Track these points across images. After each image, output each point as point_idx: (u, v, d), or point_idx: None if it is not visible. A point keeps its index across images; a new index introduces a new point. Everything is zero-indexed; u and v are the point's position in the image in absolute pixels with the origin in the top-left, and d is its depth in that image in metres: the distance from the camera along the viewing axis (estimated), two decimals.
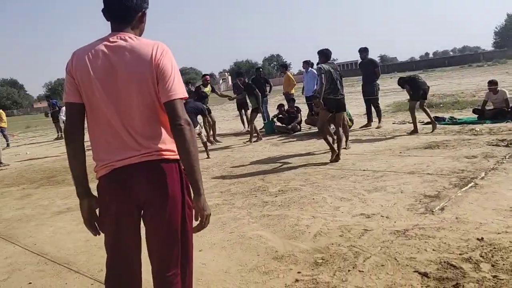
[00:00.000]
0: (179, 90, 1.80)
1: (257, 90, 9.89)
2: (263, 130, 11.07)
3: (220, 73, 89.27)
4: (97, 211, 1.91)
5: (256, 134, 9.67)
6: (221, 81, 76.05)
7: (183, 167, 1.82)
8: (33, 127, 27.44)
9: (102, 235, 1.90)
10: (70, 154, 1.85)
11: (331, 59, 6.80)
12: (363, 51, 9.92)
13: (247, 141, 9.55)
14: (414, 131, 8.05)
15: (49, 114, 17.05)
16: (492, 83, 9.14)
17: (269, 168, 6.48)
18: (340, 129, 6.60)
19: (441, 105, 12.00)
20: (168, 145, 1.85)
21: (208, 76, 11.17)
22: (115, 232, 1.84)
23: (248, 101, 10.85)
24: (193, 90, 10.86)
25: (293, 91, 12.10)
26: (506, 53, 53.73)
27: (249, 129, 9.98)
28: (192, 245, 1.96)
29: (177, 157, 1.86)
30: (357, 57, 10.60)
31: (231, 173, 6.45)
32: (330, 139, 6.58)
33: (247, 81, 10.50)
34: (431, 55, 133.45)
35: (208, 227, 3.89)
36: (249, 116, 10.33)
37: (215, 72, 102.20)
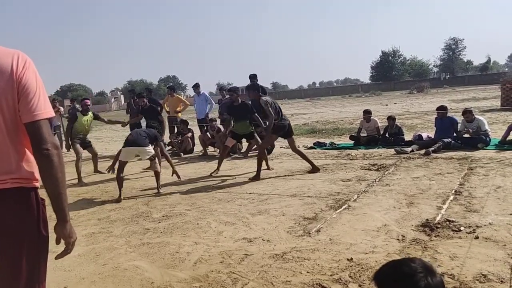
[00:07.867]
0: (45, 110, 1.59)
1: (161, 115, 8.89)
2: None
3: (112, 91, 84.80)
4: None
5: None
6: (112, 99, 72.37)
7: (48, 194, 1.61)
8: None
9: None
10: None
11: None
12: (253, 78, 10.21)
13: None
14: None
15: None
16: (366, 112, 10.12)
17: (156, 192, 6.22)
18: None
19: (324, 131, 12.89)
20: (26, 171, 1.61)
21: (88, 100, 8.36)
22: None
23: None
24: (79, 109, 9.10)
25: (179, 114, 11.79)
26: (381, 86, 60.44)
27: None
28: (45, 283, 1.72)
29: (36, 185, 1.65)
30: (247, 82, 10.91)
31: (114, 197, 6.04)
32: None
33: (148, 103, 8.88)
34: (317, 85, 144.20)
35: (79, 260, 3.57)
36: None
37: (106, 90, 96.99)
